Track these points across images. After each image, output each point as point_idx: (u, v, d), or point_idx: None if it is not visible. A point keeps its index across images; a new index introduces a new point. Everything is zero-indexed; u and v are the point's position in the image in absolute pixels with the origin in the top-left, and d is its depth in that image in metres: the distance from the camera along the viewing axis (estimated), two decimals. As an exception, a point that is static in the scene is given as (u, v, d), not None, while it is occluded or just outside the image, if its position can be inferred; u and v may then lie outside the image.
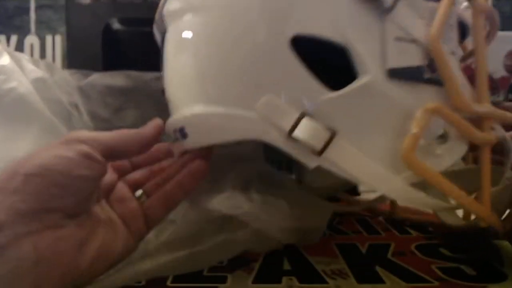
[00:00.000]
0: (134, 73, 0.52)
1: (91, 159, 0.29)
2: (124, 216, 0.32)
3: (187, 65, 0.33)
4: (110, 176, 0.34)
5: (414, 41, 0.31)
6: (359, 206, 0.53)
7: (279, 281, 0.35)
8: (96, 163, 0.29)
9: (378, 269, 0.37)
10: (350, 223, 0.51)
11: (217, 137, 0.32)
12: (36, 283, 0.26)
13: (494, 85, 0.67)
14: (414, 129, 0.30)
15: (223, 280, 0.35)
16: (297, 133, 0.30)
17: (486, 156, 0.33)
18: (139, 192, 0.34)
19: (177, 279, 0.35)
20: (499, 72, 0.67)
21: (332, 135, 0.30)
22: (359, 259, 0.40)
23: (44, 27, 1.07)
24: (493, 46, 0.67)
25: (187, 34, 0.33)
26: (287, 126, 0.30)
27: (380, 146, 0.31)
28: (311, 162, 0.31)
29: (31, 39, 1.05)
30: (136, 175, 0.36)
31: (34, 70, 0.45)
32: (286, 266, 0.38)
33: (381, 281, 0.35)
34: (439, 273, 0.36)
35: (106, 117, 0.50)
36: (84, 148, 0.29)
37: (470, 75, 0.70)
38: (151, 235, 0.35)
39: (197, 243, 0.36)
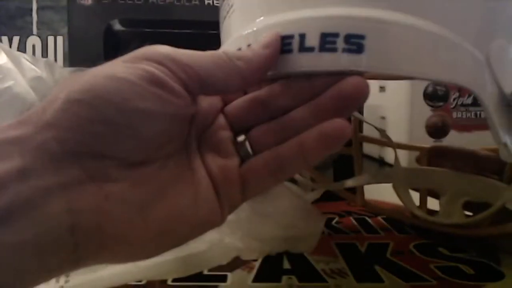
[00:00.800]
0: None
1: (164, 88, 0.20)
2: (215, 173, 0.23)
3: None
4: (211, 101, 0.24)
5: None
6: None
7: (279, 280, 0.35)
8: (172, 95, 0.20)
9: (377, 268, 0.37)
10: (349, 222, 0.51)
11: (422, 69, 0.22)
12: (76, 255, 0.19)
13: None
14: None
15: (223, 279, 0.35)
16: None
17: None
18: (241, 138, 0.24)
19: (177, 278, 0.36)
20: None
21: None
22: (359, 258, 0.40)
23: (46, 28, 1.08)
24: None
25: None
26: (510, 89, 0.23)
27: None
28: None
29: (33, 40, 1.06)
30: (239, 107, 0.24)
31: (32, 69, 0.45)
32: (286, 265, 0.38)
33: (380, 280, 0.35)
34: (437, 272, 0.37)
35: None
36: (155, 70, 0.20)
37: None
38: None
39: (187, 247, 0.36)
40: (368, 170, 0.58)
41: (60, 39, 1.01)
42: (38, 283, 0.19)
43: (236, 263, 0.38)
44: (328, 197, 0.51)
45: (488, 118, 0.23)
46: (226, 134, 0.24)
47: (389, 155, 0.81)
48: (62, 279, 0.33)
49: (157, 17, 0.62)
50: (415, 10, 0.22)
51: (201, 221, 0.22)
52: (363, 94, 0.21)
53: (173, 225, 0.21)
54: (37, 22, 1.07)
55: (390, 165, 0.56)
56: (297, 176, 0.46)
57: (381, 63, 0.22)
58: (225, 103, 0.25)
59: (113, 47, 0.58)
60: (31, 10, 1.07)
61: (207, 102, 0.24)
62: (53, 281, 0.33)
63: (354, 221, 0.51)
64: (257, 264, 0.38)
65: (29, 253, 0.17)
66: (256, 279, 0.36)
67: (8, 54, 0.45)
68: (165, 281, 0.35)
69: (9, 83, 0.42)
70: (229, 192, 0.23)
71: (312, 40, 0.22)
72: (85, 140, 0.19)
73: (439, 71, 0.22)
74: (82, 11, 0.59)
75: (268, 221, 0.39)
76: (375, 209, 0.52)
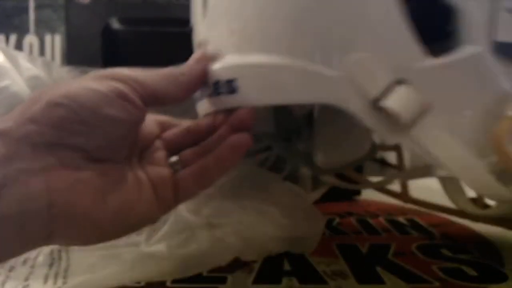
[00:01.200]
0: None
1: (128, 100, 0.25)
2: (154, 180, 0.28)
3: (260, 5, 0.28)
4: (150, 129, 0.30)
5: None
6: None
7: (279, 282, 0.35)
8: (133, 106, 0.25)
9: (378, 269, 0.37)
10: (350, 223, 0.51)
11: (280, 97, 0.27)
12: (50, 229, 0.23)
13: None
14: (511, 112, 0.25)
15: (223, 280, 0.35)
16: (388, 102, 0.25)
17: None
18: (174, 158, 0.30)
19: (177, 279, 0.35)
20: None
21: (425, 109, 0.26)
22: (360, 259, 0.40)
23: (43, 27, 1.07)
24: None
25: None
26: (376, 92, 0.25)
27: (469, 126, 0.27)
28: (392, 137, 0.27)
29: (30, 39, 1.05)
30: (173, 134, 0.31)
31: (29, 68, 0.45)
32: (286, 266, 0.38)
33: (381, 281, 0.35)
34: (439, 273, 0.36)
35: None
36: (120, 86, 0.25)
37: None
38: (142, 238, 0.35)
39: (187, 247, 0.36)
40: (369, 170, 0.57)
41: (57, 37, 1.00)
42: (13, 256, 0.23)
43: (236, 265, 0.37)
44: (329, 197, 0.50)
45: (366, 127, 0.26)
46: (162, 153, 0.30)
47: (390, 155, 0.81)
48: (59, 281, 0.33)
49: (156, 15, 0.61)
50: (267, 48, 0.27)
51: (143, 216, 0.27)
52: (248, 122, 0.28)
53: (125, 214, 0.26)
54: (35, 21, 1.06)
55: (391, 166, 0.56)
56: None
57: (250, 98, 0.27)
58: (163, 130, 0.31)
59: (111, 45, 0.57)
60: (28, 8, 1.07)
61: (147, 129, 0.30)
62: (50, 282, 0.33)
63: (355, 222, 0.51)
64: (257, 266, 0.38)
65: (12, 226, 0.22)
66: (256, 281, 0.35)
67: (5, 53, 0.45)
68: (164, 282, 0.35)
69: (6, 82, 0.42)
70: (164, 196, 0.28)
71: (210, 88, 0.29)
72: (62, 135, 0.23)
73: (299, 96, 0.27)
74: (80, 10, 0.58)
75: (268, 221, 0.38)
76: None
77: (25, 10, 1.08)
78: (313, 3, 0.26)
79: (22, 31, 1.07)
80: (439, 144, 0.27)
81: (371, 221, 0.51)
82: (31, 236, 0.23)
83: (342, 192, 0.58)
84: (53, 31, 1.05)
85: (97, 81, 0.25)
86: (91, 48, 0.57)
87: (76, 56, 0.59)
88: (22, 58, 0.46)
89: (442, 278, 0.36)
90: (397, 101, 0.25)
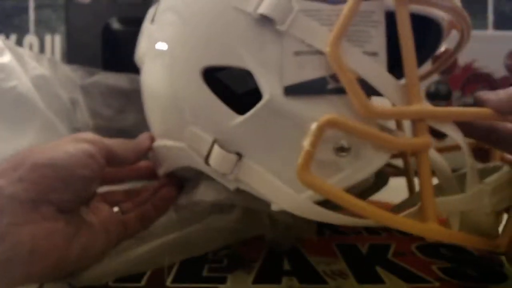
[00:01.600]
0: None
1: (94, 159, 0.32)
2: (103, 222, 0.34)
3: (148, 106, 0.38)
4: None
5: (316, 52, 0.29)
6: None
7: (279, 281, 0.35)
8: (97, 164, 0.32)
9: (378, 269, 0.37)
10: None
11: (167, 166, 0.38)
12: (29, 270, 0.28)
13: (495, 85, 0.67)
14: (306, 145, 0.28)
15: (223, 280, 0.35)
16: (210, 159, 0.32)
17: (422, 163, 0.29)
18: (115, 209, 0.37)
19: (176, 279, 0.35)
20: (500, 71, 0.67)
21: (239, 158, 0.31)
22: (359, 259, 0.40)
23: (43, 27, 1.07)
24: (494, 46, 0.67)
25: (144, 79, 0.38)
26: (205, 153, 0.32)
27: (284, 164, 0.31)
28: (230, 184, 0.33)
29: (30, 39, 1.05)
30: (114, 194, 0.39)
31: (35, 67, 0.45)
32: (286, 266, 0.38)
33: (381, 281, 0.35)
34: (439, 273, 0.36)
35: (107, 116, 0.50)
36: (90, 148, 0.32)
37: (472, 74, 0.70)
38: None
39: (186, 226, 0.38)
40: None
41: (57, 37, 1.00)
42: None
43: (236, 264, 0.37)
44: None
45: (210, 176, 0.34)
46: (103, 203, 0.36)
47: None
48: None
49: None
50: (158, 134, 0.38)
51: (99, 250, 0.33)
52: (166, 185, 0.39)
53: (86, 252, 0.31)
54: (34, 21, 1.06)
55: (389, 165, 0.55)
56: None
57: (161, 168, 0.39)
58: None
59: (111, 45, 0.57)
60: (28, 8, 1.07)
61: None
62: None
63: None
64: (257, 265, 0.38)
65: (1, 271, 0.26)
66: (256, 281, 0.35)
67: (12, 52, 0.44)
68: (164, 282, 0.35)
69: (13, 82, 0.42)
70: (116, 231, 0.35)
71: None
72: (43, 192, 0.29)
73: (176, 163, 0.36)
74: (80, 10, 0.58)
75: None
76: None
77: (25, 10, 1.08)
78: (169, 106, 0.34)
79: (22, 31, 1.07)
80: (265, 185, 0.31)
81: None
82: (13, 279, 0.27)
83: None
84: (53, 31, 1.05)
85: (73, 144, 0.32)
86: (91, 48, 0.57)
87: (76, 55, 0.59)
88: (28, 56, 0.46)
89: (442, 278, 0.36)
90: (215, 158, 0.32)
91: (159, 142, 0.37)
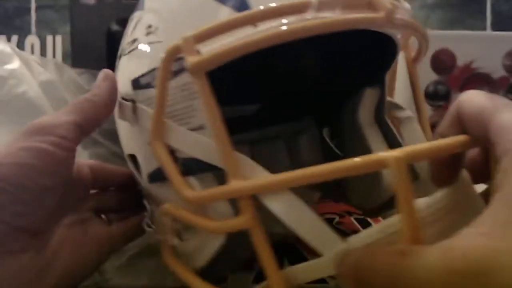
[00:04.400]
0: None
1: (52, 157, 0.25)
2: (94, 237, 0.31)
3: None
4: (84, 175, 0.32)
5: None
6: None
7: (282, 280, 0.35)
8: (57, 162, 0.26)
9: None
10: (350, 223, 0.51)
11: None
12: None
13: (493, 85, 0.68)
14: (157, 234, 0.31)
15: (223, 280, 0.35)
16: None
17: (256, 240, 0.25)
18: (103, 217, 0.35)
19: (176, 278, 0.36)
20: (498, 72, 0.68)
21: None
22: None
23: (44, 28, 1.07)
24: (492, 46, 0.68)
25: None
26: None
27: None
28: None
29: (32, 40, 1.05)
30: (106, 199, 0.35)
31: (42, 72, 0.45)
32: (286, 266, 0.38)
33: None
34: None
35: (112, 119, 0.50)
36: (43, 145, 0.25)
37: (470, 75, 0.71)
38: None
39: None
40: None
41: (59, 38, 1.00)
42: None
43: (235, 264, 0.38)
44: (329, 197, 0.51)
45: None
46: (91, 214, 0.33)
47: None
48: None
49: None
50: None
51: (89, 269, 0.30)
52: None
53: (66, 278, 0.28)
54: (36, 21, 1.06)
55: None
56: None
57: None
58: (95, 176, 0.33)
59: (116, 47, 0.58)
60: (29, 9, 1.07)
61: (81, 175, 0.32)
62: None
63: (354, 221, 0.51)
64: (257, 265, 0.38)
65: None
66: (256, 280, 0.35)
67: (20, 58, 0.45)
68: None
69: (23, 88, 0.42)
70: (103, 246, 0.31)
71: None
72: (4, 220, 0.24)
73: None
74: (85, 11, 0.58)
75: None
76: None
77: (27, 11, 1.08)
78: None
79: (23, 32, 1.07)
80: None
81: (370, 220, 0.52)
82: None
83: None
84: (54, 32, 1.06)
85: (27, 145, 0.25)
86: (96, 49, 0.57)
87: (81, 57, 0.59)
88: (33, 61, 0.46)
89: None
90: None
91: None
